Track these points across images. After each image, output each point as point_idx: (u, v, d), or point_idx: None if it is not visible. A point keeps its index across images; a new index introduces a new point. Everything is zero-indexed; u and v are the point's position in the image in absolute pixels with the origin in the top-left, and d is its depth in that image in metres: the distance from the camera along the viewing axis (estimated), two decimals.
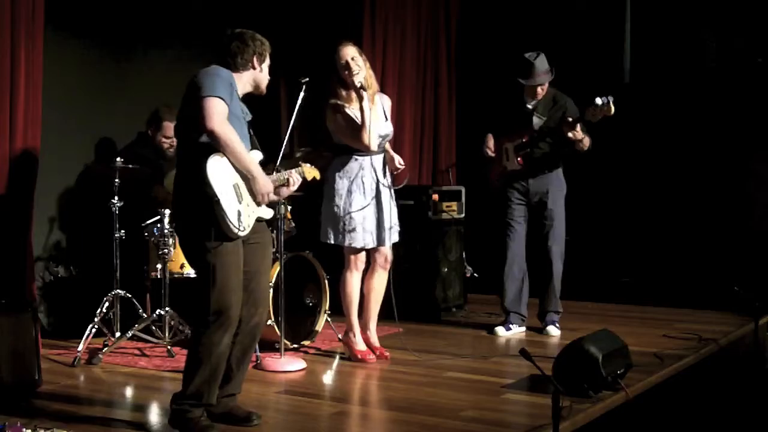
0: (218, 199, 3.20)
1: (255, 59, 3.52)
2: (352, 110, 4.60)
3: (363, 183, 4.62)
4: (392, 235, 4.73)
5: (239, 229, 3.28)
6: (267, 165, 4.61)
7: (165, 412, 3.49)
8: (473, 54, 7.53)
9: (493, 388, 4.07)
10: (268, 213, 3.53)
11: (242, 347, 3.51)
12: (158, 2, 5.90)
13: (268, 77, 3.61)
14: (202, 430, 3.33)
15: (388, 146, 4.84)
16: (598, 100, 4.88)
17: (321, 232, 4.71)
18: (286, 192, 3.64)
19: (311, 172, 4.14)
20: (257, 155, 3.51)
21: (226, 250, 3.29)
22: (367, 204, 4.61)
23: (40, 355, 4.13)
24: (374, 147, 4.61)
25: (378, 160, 4.69)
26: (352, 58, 4.58)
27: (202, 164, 3.20)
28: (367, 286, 4.80)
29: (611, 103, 4.85)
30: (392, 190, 4.75)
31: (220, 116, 3.23)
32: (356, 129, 4.58)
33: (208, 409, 3.45)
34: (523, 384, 4.15)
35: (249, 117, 3.53)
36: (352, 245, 4.62)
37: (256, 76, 3.55)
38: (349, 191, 4.62)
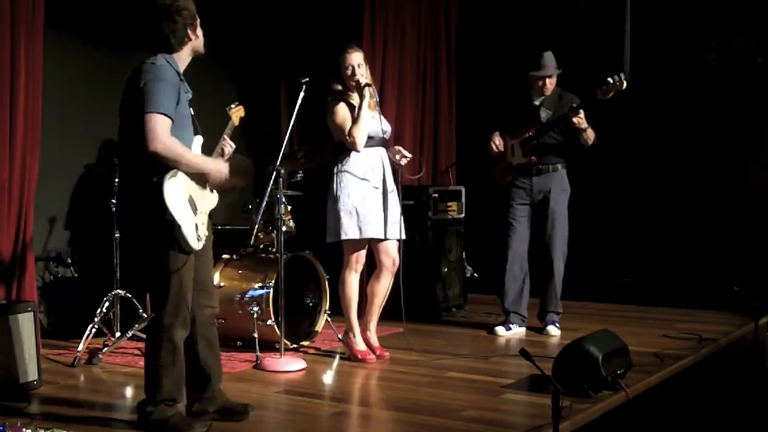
0: (179, 225, 3.22)
1: (189, 32, 3.41)
2: (344, 107, 4.62)
3: (366, 177, 4.62)
4: (396, 231, 4.70)
5: (198, 243, 3.34)
6: (268, 166, 4.65)
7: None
8: (473, 54, 7.53)
9: (493, 388, 4.06)
10: (214, 201, 3.55)
11: (205, 339, 3.53)
12: (158, 1, 5.89)
13: (202, 37, 3.49)
14: (188, 425, 3.34)
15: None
16: (610, 79, 4.99)
17: (327, 232, 4.69)
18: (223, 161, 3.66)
19: (236, 113, 3.87)
20: (198, 141, 3.48)
21: (184, 257, 3.32)
22: (371, 197, 4.61)
23: (40, 355, 4.13)
24: (360, 147, 4.60)
25: (383, 154, 4.69)
26: (358, 65, 4.60)
27: (159, 190, 3.18)
28: (372, 288, 4.80)
29: (623, 78, 4.94)
30: (398, 187, 4.75)
31: (164, 135, 3.18)
32: (348, 127, 4.59)
33: (205, 409, 3.48)
34: (523, 384, 4.14)
35: (190, 95, 3.45)
36: (358, 237, 4.60)
37: (193, 45, 3.45)
38: (353, 186, 4.62)
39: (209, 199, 3.51)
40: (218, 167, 3.46)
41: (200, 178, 3.42)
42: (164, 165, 3.22)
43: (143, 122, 3.17)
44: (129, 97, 3.31)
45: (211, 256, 3.63)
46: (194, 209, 3.35)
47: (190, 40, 3.42)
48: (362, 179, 4.62)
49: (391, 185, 4.73)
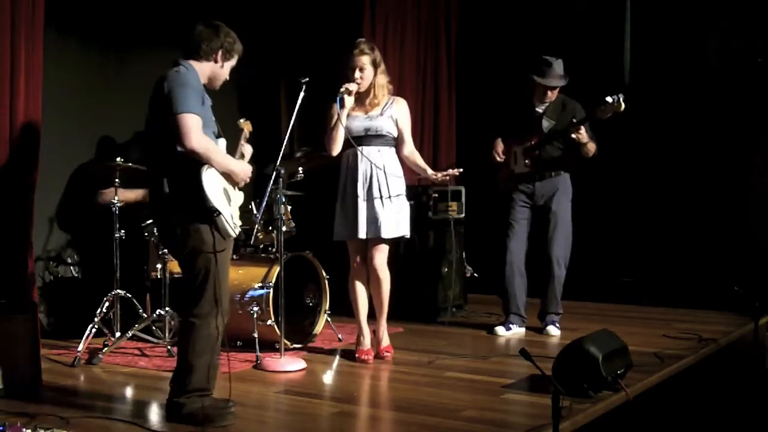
0: (219, 212, 3.34)
1: (219, 53, 3.50)
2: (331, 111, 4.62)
3: (353, 177, 4.62)
4: (374, 230, 4.57)
5: (234, 231, 3.46)
6: (268, 166, 4.65)
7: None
8: (473, 54, 7.53)
9: (493, 388, 4.07)
10: (241, 197, 3.68)
11: None
12: (158, 2, 5.90)
13: (226, 77, 3.61)
14: (222, 416, 3.37)
15: (419, 161, 4.81)
16: (609, 99, 5.00)
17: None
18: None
19: (246, 125, 4.04)
20: (222, 143, 3.58)
21: (223, 243, 3.43)
22: (350, 197, 4.61)
23: (40, 355, 4.13)
24: (333, 153, 4.60)
25: (372, 152, 4.63)
26: (360, 68, 4.57)
27: (198, 181, 3.30)
28: (369, 289, 4.82)
29: (621, 100, 4.97)
30: (389, 185, 4.66)
31: (197, 133, 3.30)
32: (328, 129, 4.60)
33: None
34: (523, 384, 4.15)
35: (210, 102, 3.53)
36: (339, 238, 4.64)
37: (214, 70, 3.54)
38: (345, 186, 4.64)
39: (238, 194, 3.63)
40: (243, 168, 3.58)
41: (228, 175, 3.52)
42: (197, 162, 3.33)
43: (176, 122, 3.28)
44: (156, 104, 3.40)
45: (230, 254, 3.67)
46: (228, 199, 3.47)
47: (215, 62, 3.51)
48: (347, 180, 4.63)
49: (378, 183, 4.61)
